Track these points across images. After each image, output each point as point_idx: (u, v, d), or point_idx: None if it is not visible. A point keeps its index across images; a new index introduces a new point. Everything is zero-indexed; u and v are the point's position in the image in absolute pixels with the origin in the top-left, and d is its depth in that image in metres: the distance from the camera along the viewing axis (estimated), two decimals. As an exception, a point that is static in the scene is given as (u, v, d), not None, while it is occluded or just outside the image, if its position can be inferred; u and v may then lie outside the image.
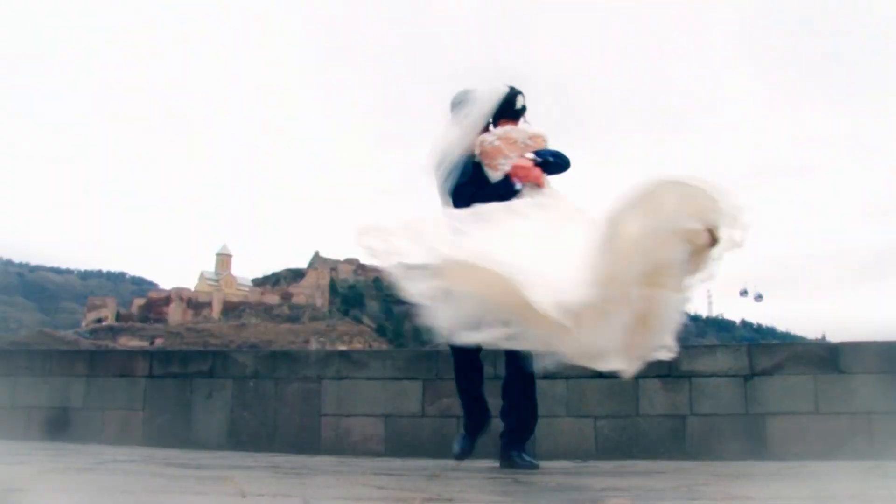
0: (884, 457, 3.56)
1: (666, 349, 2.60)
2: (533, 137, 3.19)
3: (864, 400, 3.82)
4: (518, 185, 3.11)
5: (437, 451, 4.09)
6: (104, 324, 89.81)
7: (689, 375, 4.01)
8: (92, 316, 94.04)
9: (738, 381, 3.98)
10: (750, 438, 3.88)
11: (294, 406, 4.40)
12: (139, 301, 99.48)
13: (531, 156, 3.12)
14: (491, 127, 3.24)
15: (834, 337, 5.44)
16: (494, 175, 3.14)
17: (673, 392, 3.99)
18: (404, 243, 2.90)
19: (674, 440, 3.95)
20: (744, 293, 76.80)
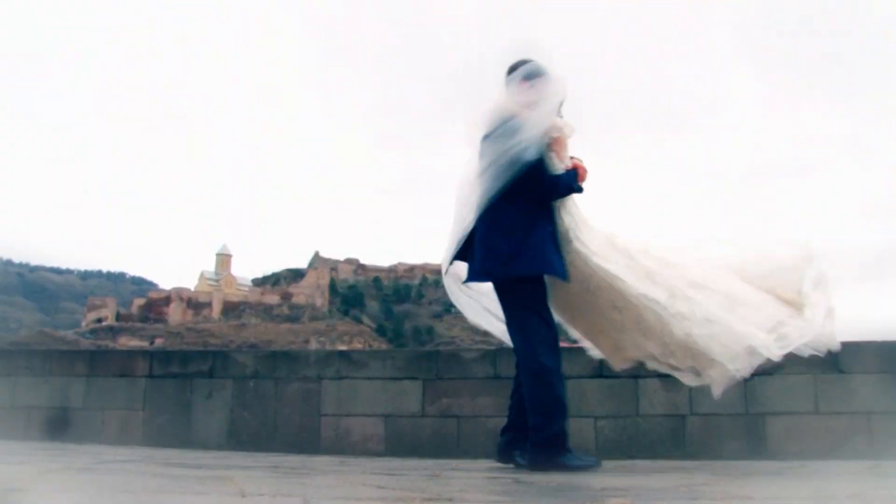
0: (883, 456, 3.56)
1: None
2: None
3: (864, 400, 3.82)
4: (581, 184, 3.07)
5: (437, 451, 4.10)
6: (104, 324, 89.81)
7: (689, 375, 4.01)
8: (92, 316, 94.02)
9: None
10: (750, 438, 3.88)
11: (294, 406, 4.40)
12: (139, 301, 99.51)
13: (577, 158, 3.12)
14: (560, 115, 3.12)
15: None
16: (557, 166, 3.04)
17: (673, 392, 3.99)
18: None
19: (674, 440, 3.95)
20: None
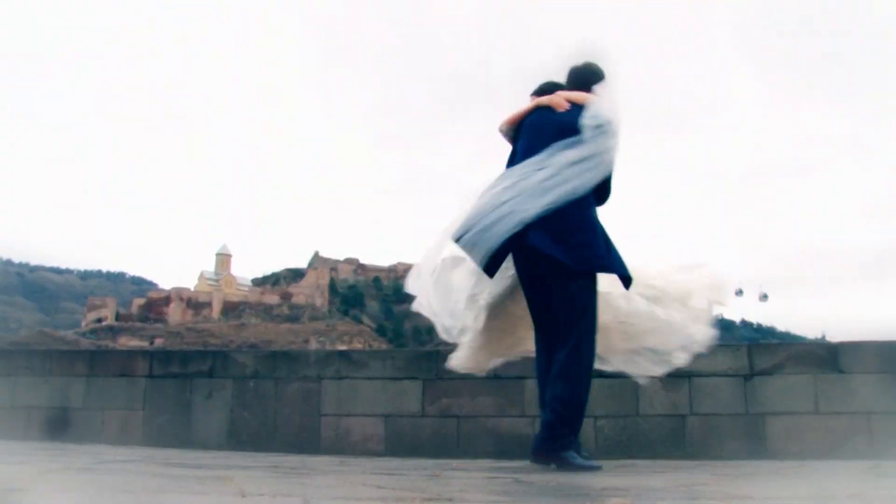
0: (883, 456, 3.56)
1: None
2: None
3: (864, 400, 3.82)
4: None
5: (437, 450, 4.10)
6: (104, 324, 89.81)
7: (689, 375, 4.01)
8: (92, 316, 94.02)
9: (738, 380, 3.98)
10: (750, 438, 3.88)
11: (294, 406, 4.40)
12: (139, 301, 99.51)
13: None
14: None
15: (834, 336, 5.45)
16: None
17: (673, 392, 3.99)
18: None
19: (673, 440, 3.95)
20: (739, 293, 76.71)
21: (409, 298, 3.30)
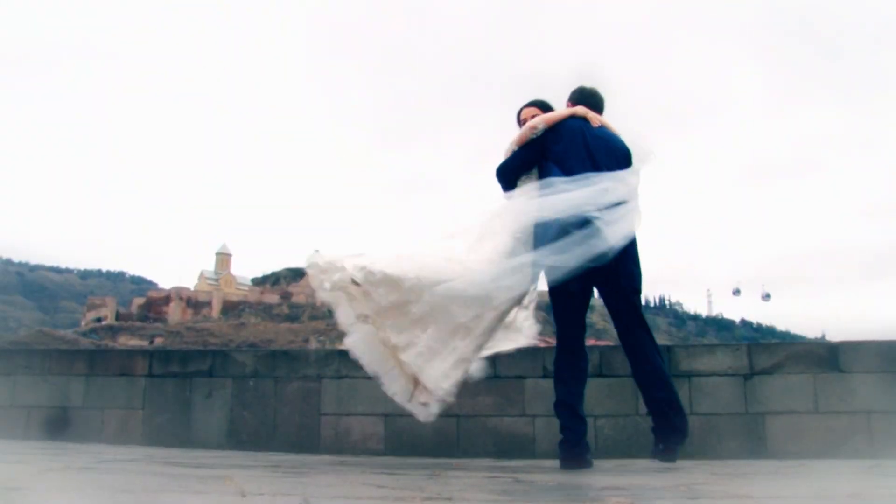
0: (883, 456, 3.57)
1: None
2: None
3: (864, 399, 3.82)
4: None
5: (437, 450, 4.10)
6: (104, 323, 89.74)
7: (689, 374, 4.01)
8: (91, 315, 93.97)
9: (738, 380, 3.98)
10: (749, 437, 3.88)
11: (294, 405, 4.39)
12: (139, 300, 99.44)
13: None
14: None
15: (833, 336, 5.45)
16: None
17: (672, 391, 3.98)
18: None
19: (673, 439, 3.94)
20: (737, 293, 76.91)
21: None
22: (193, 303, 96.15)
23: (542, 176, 3.32)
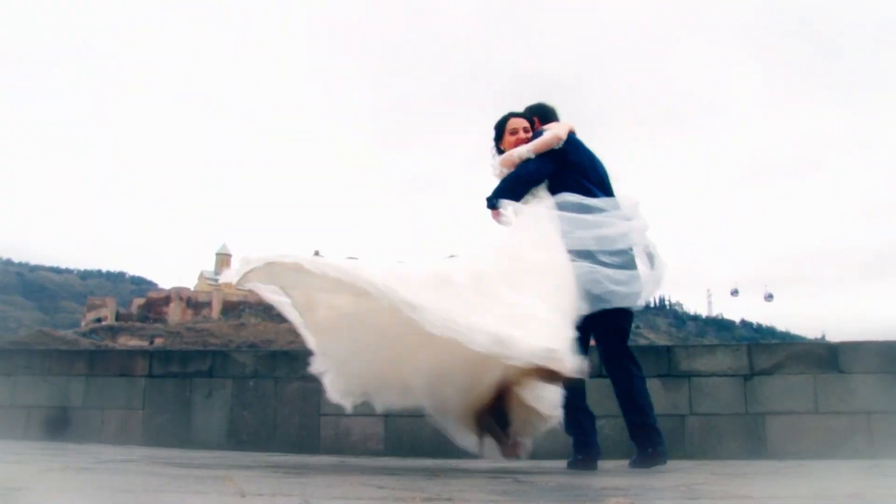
0: (883, 456, 3.57)
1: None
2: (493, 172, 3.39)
3: (864, 399, 3.82)
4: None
5: (437, 450, 4.09)
6: (104, 323, 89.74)
7: (689, 375, 4.01)
8: (91, 315, 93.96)
9: (738, 380, 3.98)
10: (749, 437, 3.88)
11: (294, 405, 4.39)
12: (139, 301, 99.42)
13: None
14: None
15: (833, 336, 5.46)
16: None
17: (673, 391, 3.99)
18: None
19: (673, 439, 3.94)
20: (735, 293, 77.13)
21: None
22: (193, 303, 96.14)
23: (564, 187, 3.24)
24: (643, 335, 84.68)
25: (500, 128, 3.43)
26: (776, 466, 3.24)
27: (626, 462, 3.34)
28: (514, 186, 3.25)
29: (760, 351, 4.06)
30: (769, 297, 74.38)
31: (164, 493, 1.96)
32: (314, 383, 4.44)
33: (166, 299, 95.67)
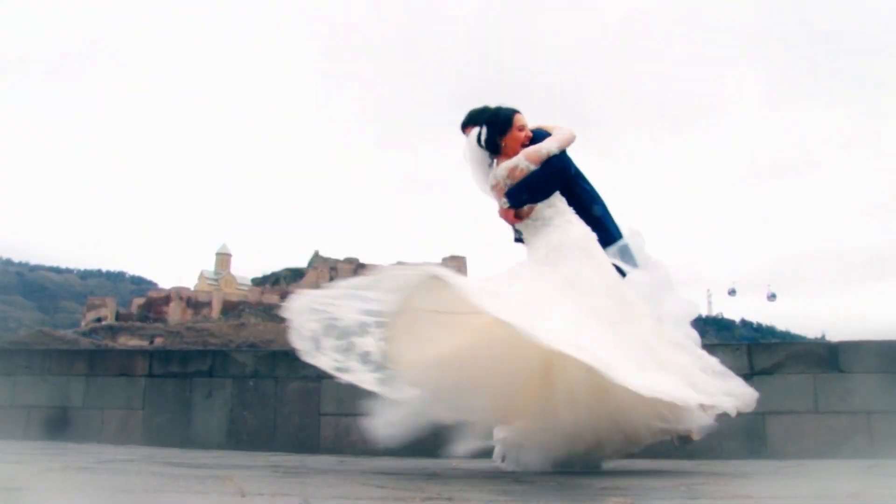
0: (883, 456, 3.57)
1: None
2: (511, 171, 3.14)
3: (864, 399, 3.82)
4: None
5: (437, 450, 4.09)
6: (103, 323, 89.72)
7: (689, 375, 4.00)
8: (91, 315, 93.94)
9: (738, 380, 3.98)
10: (749, 437, 3.88)
11: (294, 405, 4.39)
12: (139, 300, 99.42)
13: (504, 201, 3.19)
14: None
15: (833, 336, 5.46)
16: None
17: (672, 391, 3.98)
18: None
19: (673, 439, 3.94)
20: (732, 293, 77.21)
21: None
22: (193, 303, 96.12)
23: (571, 195, 3.21)
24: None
25: (508, 122, 3.19)
26: (776, 466, 3.24)
27: (626, 462, 3.33)
28: (545, 185, 3.10)
29: (760, 350, 4.06)
30: (772, 296, 74.39)
31: (164, 493, 1.96)
32: (314, 383, 4.46)
33: (166, 299, 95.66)
